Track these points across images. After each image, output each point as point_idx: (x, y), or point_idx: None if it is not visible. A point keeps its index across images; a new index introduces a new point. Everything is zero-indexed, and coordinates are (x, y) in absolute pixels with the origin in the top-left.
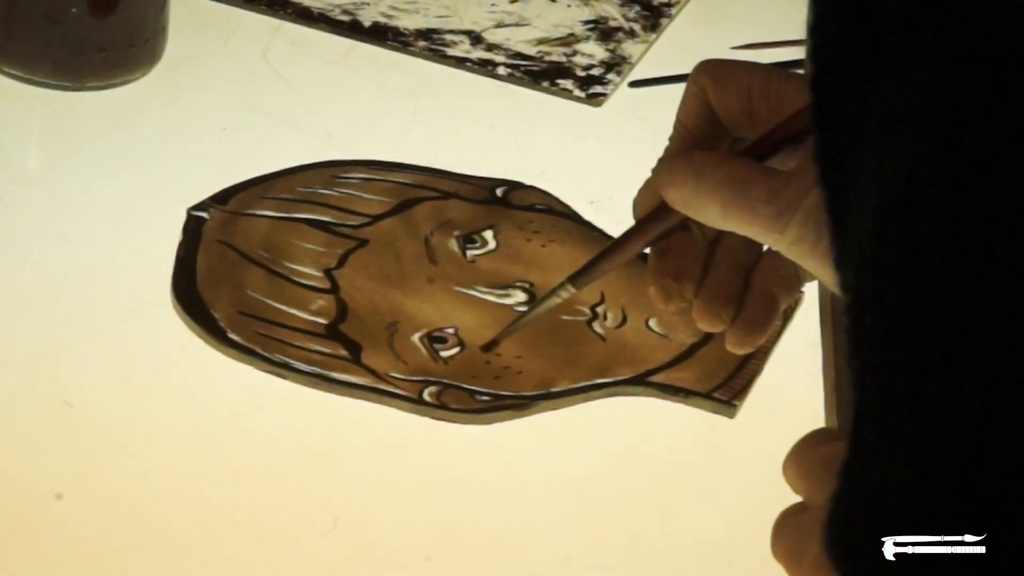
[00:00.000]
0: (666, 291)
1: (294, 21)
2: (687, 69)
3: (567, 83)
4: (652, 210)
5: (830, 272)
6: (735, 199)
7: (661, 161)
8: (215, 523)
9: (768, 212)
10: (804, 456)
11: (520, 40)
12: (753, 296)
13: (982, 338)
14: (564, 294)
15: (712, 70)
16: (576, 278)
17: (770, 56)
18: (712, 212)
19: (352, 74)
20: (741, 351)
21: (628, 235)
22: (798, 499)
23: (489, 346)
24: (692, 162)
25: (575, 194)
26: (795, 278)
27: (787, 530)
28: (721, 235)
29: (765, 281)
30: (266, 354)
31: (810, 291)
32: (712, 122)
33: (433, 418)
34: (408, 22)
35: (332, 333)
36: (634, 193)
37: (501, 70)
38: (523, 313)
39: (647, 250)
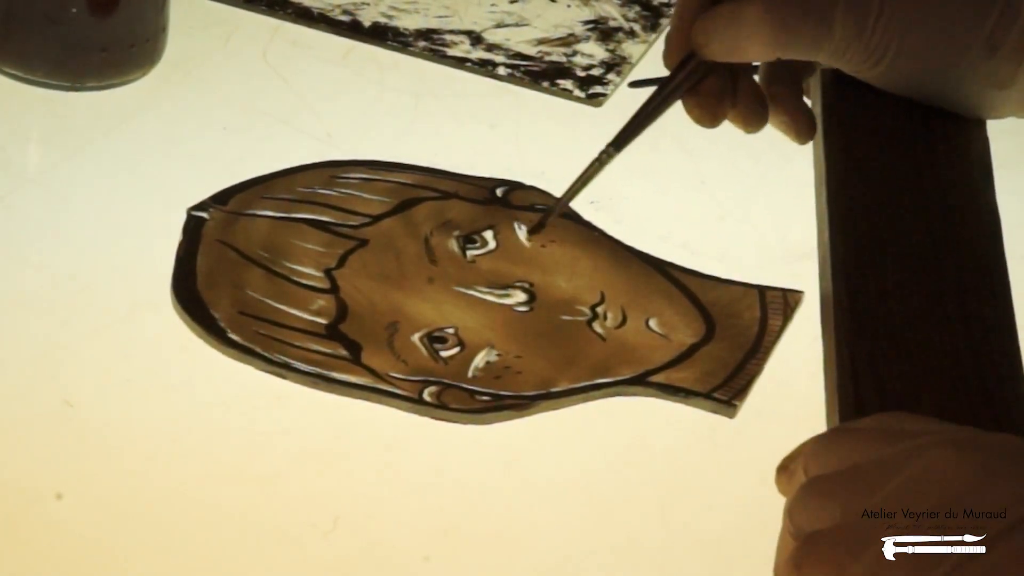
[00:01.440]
0: (711, 110)
1: (294, 21)
2: None
3: (567, 83)
4: (681, 62)
5: (874, 55)
6: (776, 31)
7: (680, 19)
8: (215, 523)
9: (810, 26)
10: (820, 473)
11: (520, 40)
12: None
13: None
14: (607, 160)
15: None
16: (619, 142)
17: None
18: (759, 50)
19: (352, 74)
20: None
21: (662, 90)
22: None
23: (536, 228)
24: (722, 15)
25: None
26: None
27: (822, 549)
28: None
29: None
30: (266, 354)
31: (810, 291)
32: None
33: (433, 418)
34: (408, 22)
35: (332, 333)
36: (634, 193)
37: (501, 70)
38: (570, 187)
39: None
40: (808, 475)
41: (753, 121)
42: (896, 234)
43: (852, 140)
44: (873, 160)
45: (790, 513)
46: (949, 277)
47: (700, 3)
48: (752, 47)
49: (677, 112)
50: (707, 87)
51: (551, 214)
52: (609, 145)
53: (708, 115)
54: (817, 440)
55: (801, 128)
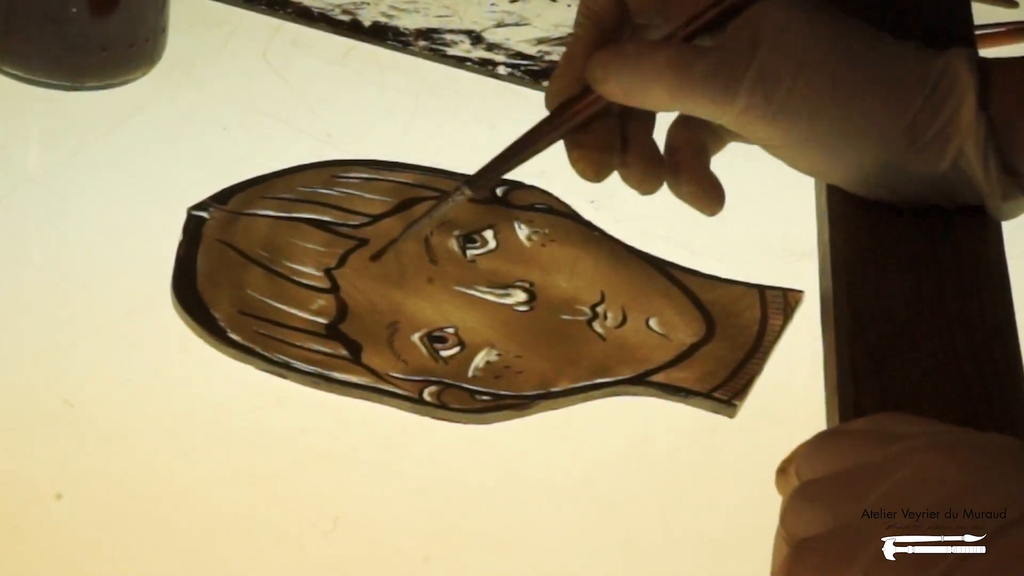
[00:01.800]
0: (595, 163)
1: (294, 21)
2: None
3: None
4: (567, 101)
5: (780, 131)
6: (680, 81)
7: (571, 56)
8: (215, 523)
9: (716, 86)
10: (811, 478)
11: (520, 40)
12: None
13: None
14: (460, 197)
15: None
16: (475, 180)
17: None
18: (658, 97)
19: (352, 74)
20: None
21: (539, 129)
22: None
23: (378, 255)
24: (626, 53)
25: (575, 194)
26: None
27: (814, 556)
28: (628, 109)
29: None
30: (266, 354)
31: (810, 291)
32: (620, 9)
33: (433, 418)
34: (408, 22)
35: (332, 333)
36: (634, 193)
37: (501, 70)
38: (416, 219)
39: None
40: (800, 479)
41: (647, 180)
42: (896, 234)
43: None
44: None
45: (783, 519)
46: (949, 277)
47: (597, 39)
48: (651, 93)
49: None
50: (592, 139)
51: (393, 243)
52: (464, 183)
53: (592, 167)
54: (808, 444)
55: (709, 198)
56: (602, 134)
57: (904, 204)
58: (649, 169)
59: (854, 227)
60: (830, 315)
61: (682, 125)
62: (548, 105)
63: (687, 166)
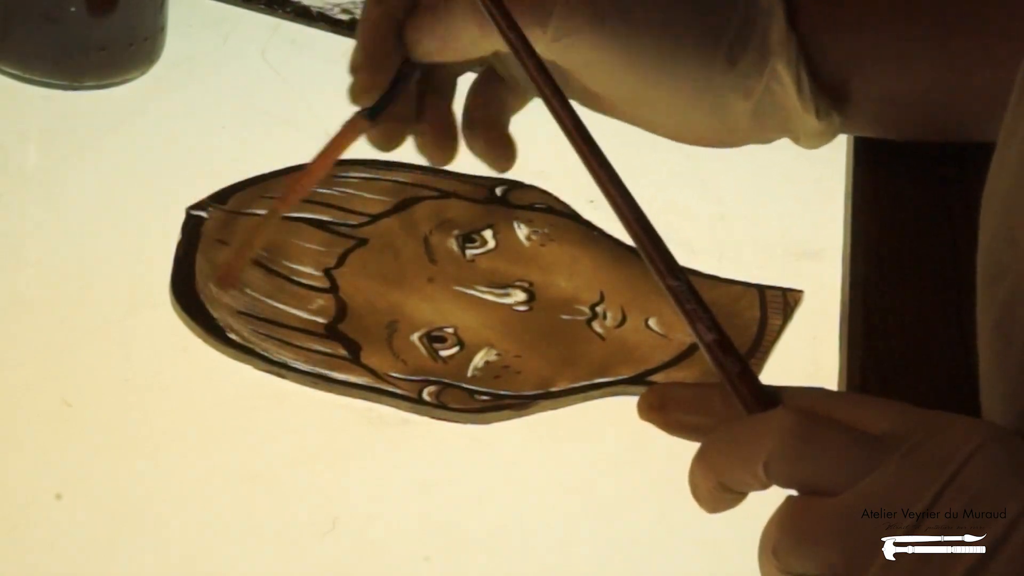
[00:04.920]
0: (388, 133)
1: (293, 20)
2: None
3: None
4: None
5: (595, 54)
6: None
7: (372, 42)
8: (214, 523)
9: (527, 9)
10: (800, 517)
11: None
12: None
13: None
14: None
15: None
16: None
17: None
18: (471, 38)
19: None
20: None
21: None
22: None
23: (224, 281)
24: (434, 8)
25: (575, 193)
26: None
27: None
28: (427, 80)
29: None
30: (265, 354)
31: (810, 290)
32: None
33: (433, 418)
34: None
35: (331, 332)
36: (634, 193)
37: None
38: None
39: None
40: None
41: (440, 147)
42: (917, 250)
43: (879, 158)
44: (900, 177)
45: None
46: (968, 296)
47: (387, 30)
48: (464, 36)
49: None
50: (388, 113)
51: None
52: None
53: (384, 137)
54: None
55: (499, 154)
56: (398, 107)
57: (719, 145)
58: (442, 137)
59: (875, 242)
60: (846, 328)
61: (482, 84)
62: (361, 102)
63: (482, 122)
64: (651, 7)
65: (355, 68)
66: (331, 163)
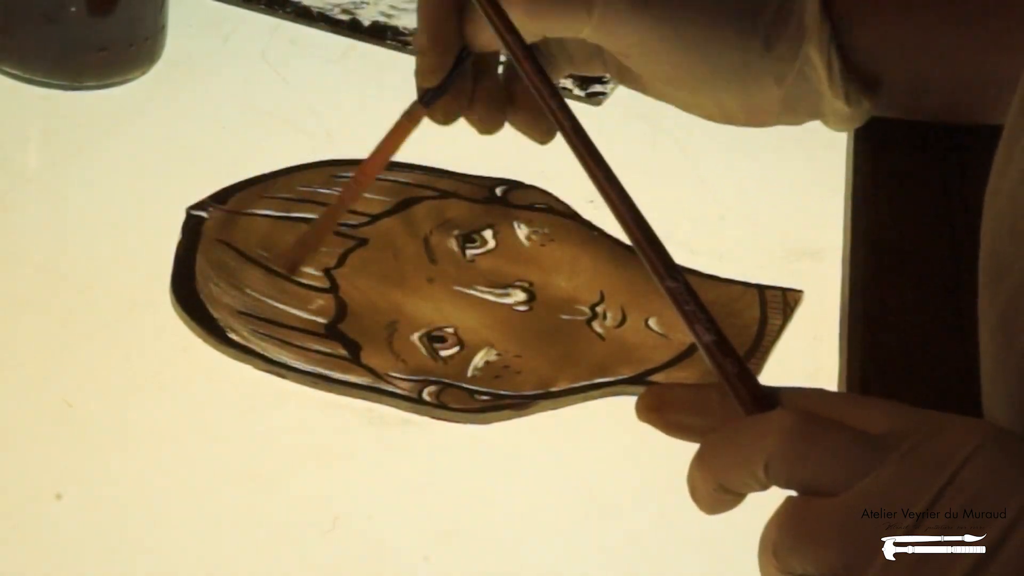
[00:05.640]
0: (446, 109)
1: (293, 20)
2: None
3: (567, 83)
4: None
5: (637, 35)
6: (538, 1)
7: (433, 28)
8: (214, 523)
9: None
10: (800, 518)
11: None
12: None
13: None
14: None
15: None
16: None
17: None
18: (519, 23)
19: (352, 74)
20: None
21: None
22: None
23: (293, 268)
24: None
25: (575, 193)
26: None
27: None
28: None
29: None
30: (265, 354)
31: (810, 290)
32: None
33: (433, 418)
34: (408, 21)
35: (331, 332)
36: (634, 193)
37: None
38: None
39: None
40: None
41: (488, 118)
42: (918, 250)
43: (880, 156)
44: (900, 177)
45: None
46: (968, 297)
47: (448, 16)
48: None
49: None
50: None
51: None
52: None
53: (442, 113)
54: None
55: (540, 127)
56: (457, 85)
57: (750, 124)
58: (491, 108)
59: (876, 242)
60: (846, 328)
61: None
62: (428, 83)
63: (522, 96)
64: None
65: (422, 50)
66: (391, 154)
